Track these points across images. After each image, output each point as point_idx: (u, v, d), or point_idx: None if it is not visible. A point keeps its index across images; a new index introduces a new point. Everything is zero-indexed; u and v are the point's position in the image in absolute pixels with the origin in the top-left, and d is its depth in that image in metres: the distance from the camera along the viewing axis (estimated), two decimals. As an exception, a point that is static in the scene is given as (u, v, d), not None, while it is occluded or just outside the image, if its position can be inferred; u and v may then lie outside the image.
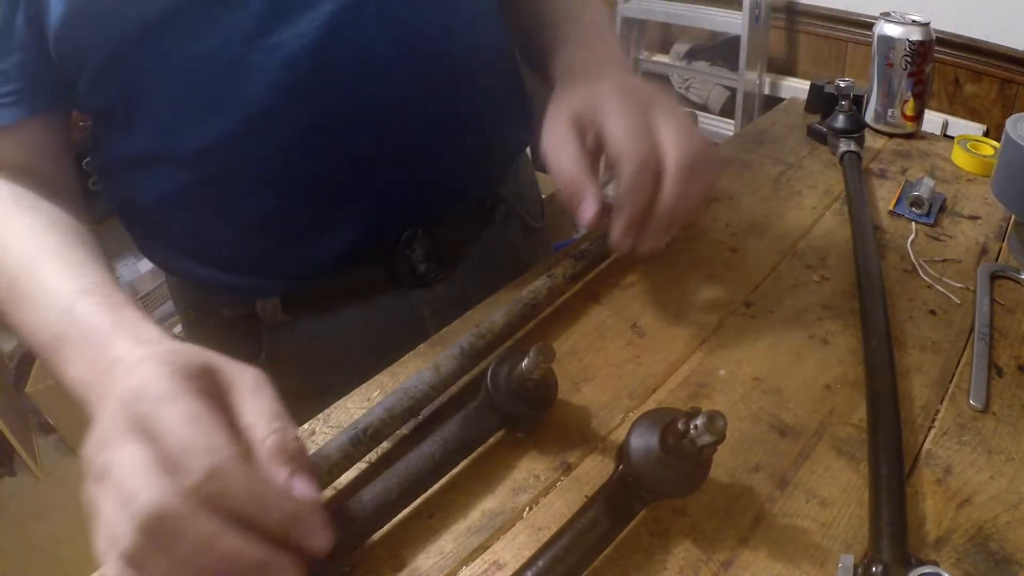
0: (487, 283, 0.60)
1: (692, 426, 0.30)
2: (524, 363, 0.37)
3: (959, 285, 0.53)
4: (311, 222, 0.51)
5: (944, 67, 1.43)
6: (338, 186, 0.50)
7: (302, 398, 0.41)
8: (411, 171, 0.52)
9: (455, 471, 0.39)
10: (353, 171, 0.49)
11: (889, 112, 0.73)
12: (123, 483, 0.27)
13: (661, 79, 1.97)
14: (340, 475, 0.38)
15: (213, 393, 0.31)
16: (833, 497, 0.37)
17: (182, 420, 0.28)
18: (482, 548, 0.36)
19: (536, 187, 0.73)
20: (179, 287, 0.60)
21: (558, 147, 0.44)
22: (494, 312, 0.47)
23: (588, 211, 0.42)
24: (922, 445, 0.40)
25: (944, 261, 0.56)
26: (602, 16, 0.60)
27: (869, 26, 0.81)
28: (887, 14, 0.70)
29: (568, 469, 0.40)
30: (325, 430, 0.43)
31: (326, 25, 0.44)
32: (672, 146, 0.42)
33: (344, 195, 0.50)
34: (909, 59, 0.69)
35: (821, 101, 0.77)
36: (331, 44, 0.44)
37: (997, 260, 0.55)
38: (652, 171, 0.41)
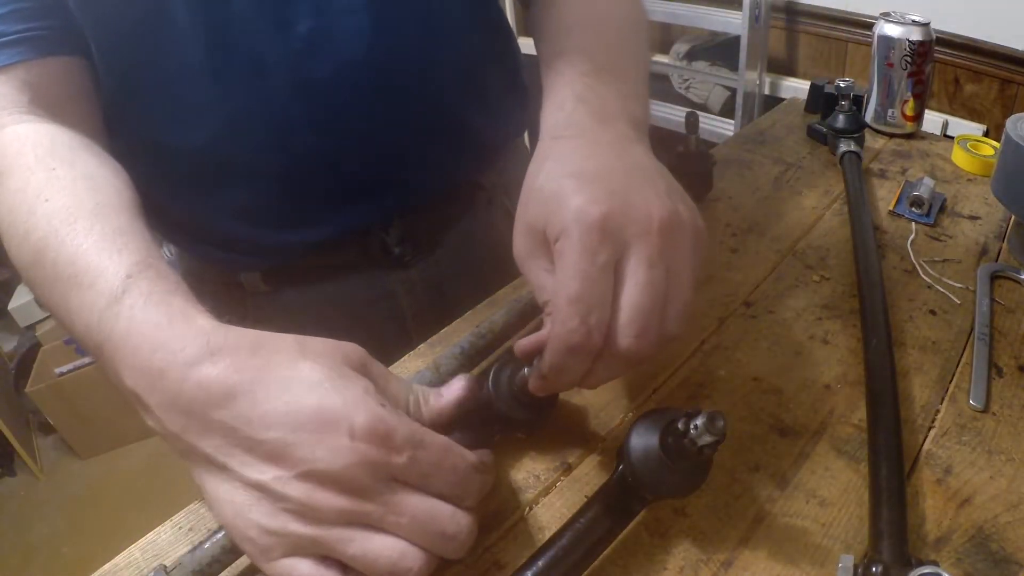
0: (466, 268, 0.61)
1: (692, 426, 0.30)
2: (525, 369, 0.37)
3: (959, 285, 0.53)
4: (286, 216, 0.54)
5: (944, 67, 1.43)
6: (310, 184, 0.53)
7: None
8: (384, 170, 0.54)
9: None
10: (323, 170, 0.52)
11: (889, 112, 0.73)
12: (422, 523, 0.30)
13: (661, 79, 1.97)
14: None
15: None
16: (833, 497, 0.37)
17: (442, 454, 0.31)
18: (482, 548, 0.36)
19: None
20: (177, 256, 0.64)
21: (524, 262, 0.37)
22: (494, 312, 0.47)
23: (523, 343, 0.37)
24: (922, 445, 0.40)
25: (944, 261, 0.56)
26: (617, 27, 0.49)
27: (869, 26, 0.81)
28: (887, 14, 0.70)
29: (568, 469, 0.40)
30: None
31: (303, 40, 0.46)
32: (629, 310, 0.32)
33: (316, 193, 0.53)
34: (909, 59, 0.69)
35: (821, 101, 0.77)
36: (308, 57, 0.46)
37: (997, 260, 0.55)
38: (586, 354, 0.33)
